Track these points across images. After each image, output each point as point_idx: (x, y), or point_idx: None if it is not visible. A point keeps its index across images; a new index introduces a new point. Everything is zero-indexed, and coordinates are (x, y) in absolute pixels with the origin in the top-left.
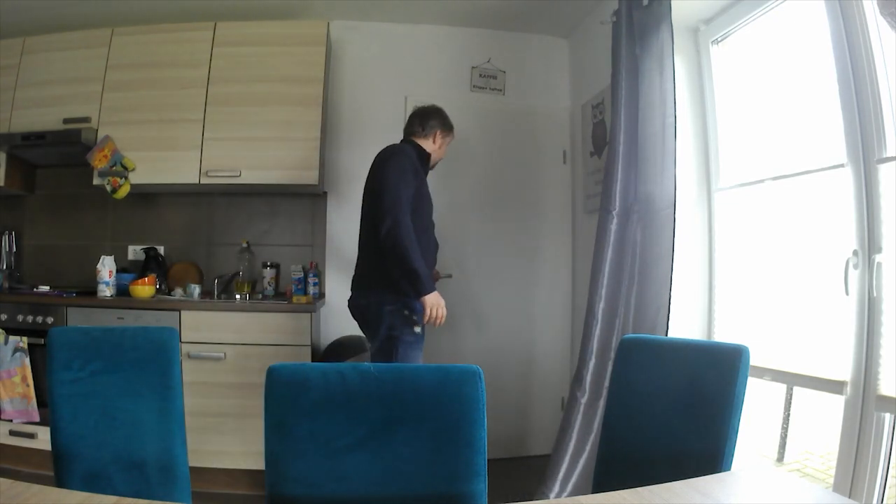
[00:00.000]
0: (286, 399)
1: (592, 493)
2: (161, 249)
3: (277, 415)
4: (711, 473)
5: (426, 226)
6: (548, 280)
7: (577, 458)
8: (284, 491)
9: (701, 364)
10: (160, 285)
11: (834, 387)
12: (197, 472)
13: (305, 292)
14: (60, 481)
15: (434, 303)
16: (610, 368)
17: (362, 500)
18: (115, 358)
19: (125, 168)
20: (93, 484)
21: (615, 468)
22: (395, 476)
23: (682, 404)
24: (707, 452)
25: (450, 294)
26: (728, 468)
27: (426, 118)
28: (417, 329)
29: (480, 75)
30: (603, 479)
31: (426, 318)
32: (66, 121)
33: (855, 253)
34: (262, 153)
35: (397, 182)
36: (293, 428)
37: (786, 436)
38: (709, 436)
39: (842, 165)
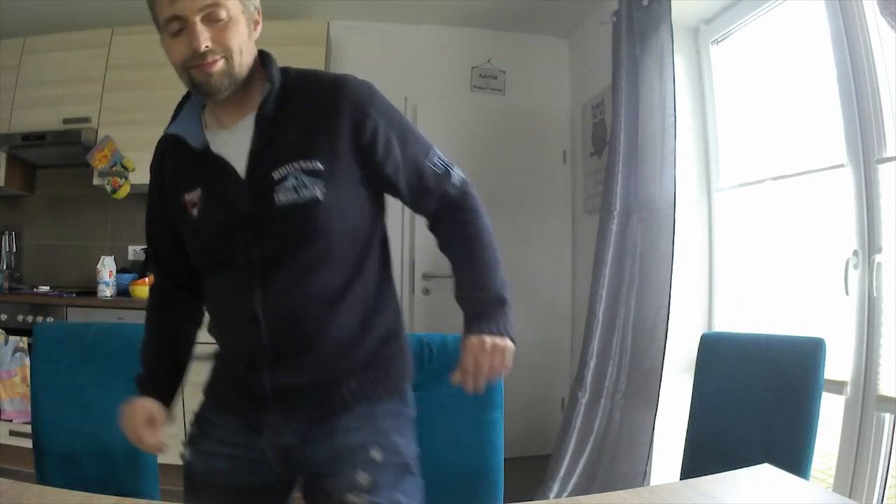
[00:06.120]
0: None
1: (682, 479)
2: None
3: None
4: (799, 455)
5: (207, 263)
6: (548, 280)
7: (578, 458)
8: None
9: (784, 355)
10: None
11: (834, 387)
12: None
13: None
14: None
15: None
16: (611, 369)
17: (419, 421)
18: (116, 358)
19: (125, 168)
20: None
21: (705, 454)
22: (441, 407)
23: (769, 392)
24: (794, 434)
25: (448, 294)
26: (813, 449)
27: None
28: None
29: (480, 75)
30: (693, 465)
31: None
32: (66, 121)
33: (855, 253)
34: None
35: None
36: None
37: None
38: (796, 420)
39: (842, 165)
